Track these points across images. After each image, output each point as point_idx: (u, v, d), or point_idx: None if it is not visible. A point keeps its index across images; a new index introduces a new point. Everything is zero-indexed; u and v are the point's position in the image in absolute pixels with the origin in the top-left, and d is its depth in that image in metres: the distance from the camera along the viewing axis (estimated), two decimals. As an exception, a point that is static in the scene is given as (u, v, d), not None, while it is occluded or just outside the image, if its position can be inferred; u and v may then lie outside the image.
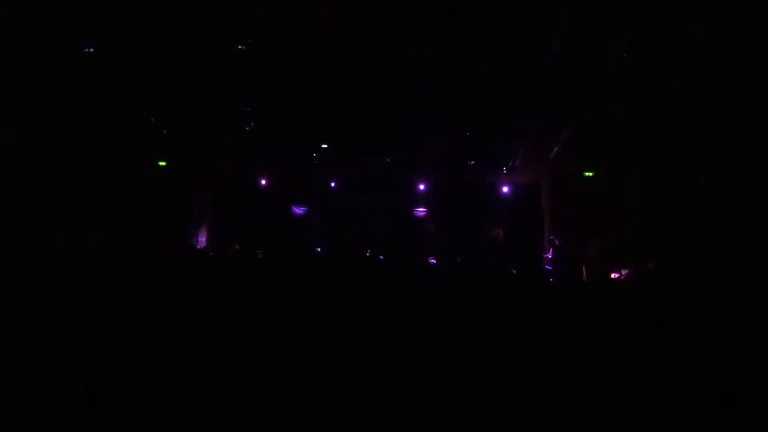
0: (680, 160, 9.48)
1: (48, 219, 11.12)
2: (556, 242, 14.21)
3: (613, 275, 12.04)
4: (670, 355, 4.95)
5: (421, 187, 16.59)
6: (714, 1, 6.48)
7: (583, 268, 12.78)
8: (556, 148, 14.32)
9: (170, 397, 4.00)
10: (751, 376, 4.31)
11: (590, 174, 14.34)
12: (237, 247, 14.62)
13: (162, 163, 14.99)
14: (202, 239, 16.09)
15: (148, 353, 4.80)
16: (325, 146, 15.62)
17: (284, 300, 7.07)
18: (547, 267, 13.97)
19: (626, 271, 11.92)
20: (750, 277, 6.78)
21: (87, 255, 9.56)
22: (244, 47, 11.31)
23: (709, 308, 5.93)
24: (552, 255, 14.25)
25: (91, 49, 11.05)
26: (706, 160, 8.47)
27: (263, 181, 16.70)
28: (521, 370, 4.74)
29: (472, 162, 16.26)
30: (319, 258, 15.18)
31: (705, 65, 7.43)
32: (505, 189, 16.44)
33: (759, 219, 6.96)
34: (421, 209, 16.85)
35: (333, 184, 16.70)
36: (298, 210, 16.90)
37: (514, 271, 13.05)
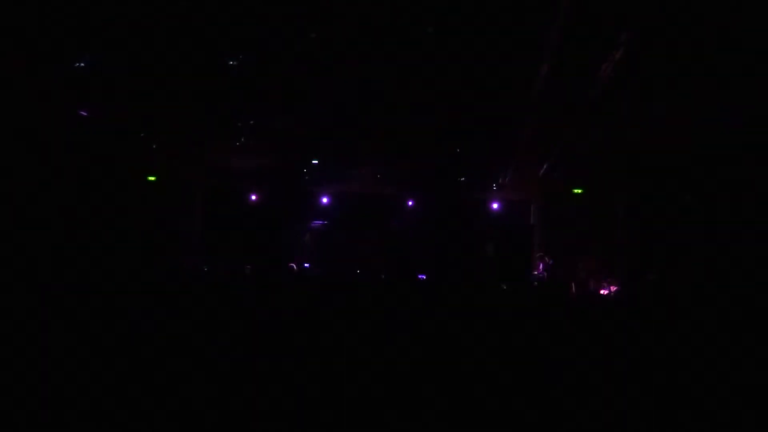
0: (667, 177, 9.59)
1: (38, 231, 11.03)
2: (547, 259, 14.37)
3: (602, 291, 12.08)
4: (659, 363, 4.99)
5: (411, 203, 16.63)
6: (700, 18, 6.61)
7: (572, 284, 12.85)
8: (545, 166, 14.42)
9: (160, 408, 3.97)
10: (750, 381, 4.35)
11: (579, 191, 14.44)
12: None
13: (151, 178, 14.93)
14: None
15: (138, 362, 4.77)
16: (316, 162, 15.64)
17: (277, 316, 7.05)
18: (536, 282, 14.03)
19: (615, 288, 11.97)
20: (738, 291, 6.85)
21: (78, 269, 9.48)
22: (235, 62, 11.35)
23: (700, 320, 5.98)
24: (542, 271, 14.37)
25: (81, 64, 11.04)
26: (693, 176, 8.58)
27: (253, 197, 16.68)
28: (513, 378, 4.76)
29: (462, 179, 16.33)
30: (310, 274, 15.15)
31: (692, 80, 7.56)
32: (495, 206, 16.51)
33: (746, 233, 7.04)
34: (409, 225, 16.84)
35: (324, 200, 16.71)
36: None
37: (504, 287, 13.07)
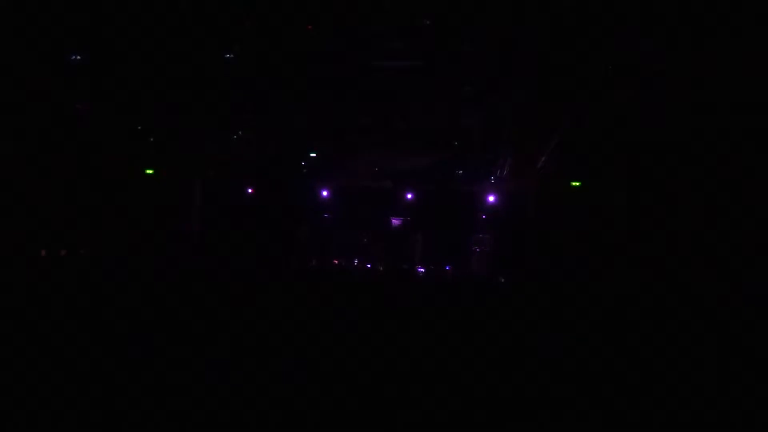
0: (667, 170, 9.57)
1: (35, 226, 11.00)
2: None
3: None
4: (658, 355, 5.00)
5: (409, 196, 16.61)
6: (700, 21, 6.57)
7: None
8: (543, 158, 14.40)
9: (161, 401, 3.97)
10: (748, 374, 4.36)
11: (577, 184, 14.41)
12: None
13: (149, 171, 14.87)
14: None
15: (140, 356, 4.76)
16: (314, 155, 15.59)
17: (278, 307, 7.04)
18: None
19: None
20: (737, 288, 6.86)
21: (75, 263, 9.45)
22: (231, 56, 11.28)
23: (697, 317, 5.99)
24: None
25: (78, 57, 10.97)
26: (693, 170, 8.57)
27: (249, 190, 16.65)
28: (512, 374, 4.76)
29: (460, 171, 16.31)
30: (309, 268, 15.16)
31: (692, 73, 7.53)
32: (492, 198, 16.51)
33: (747, 229, 7.04)
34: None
35: (324, 193, 16.69)
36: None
37: (503, 280, 13.11)
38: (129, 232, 13.41)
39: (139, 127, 13.91)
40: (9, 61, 9.47)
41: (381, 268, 15.51)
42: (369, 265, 16.05)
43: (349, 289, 10.27)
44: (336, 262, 15.80)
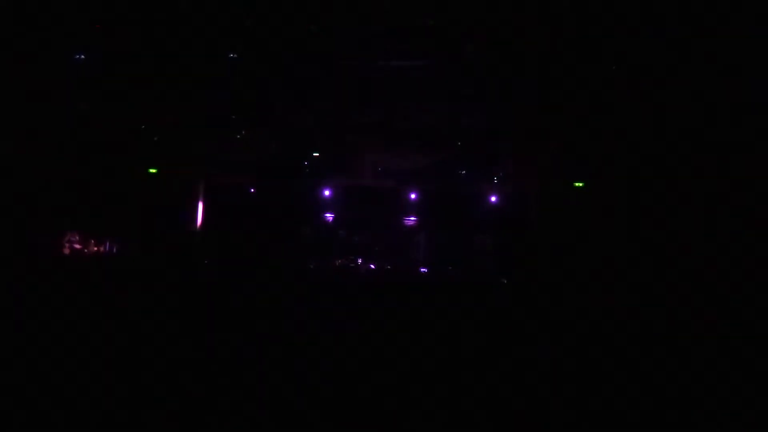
0: (668, 171, 9.57)
1: (36, 225, 11.03)
2: None
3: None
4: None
5: (413, 196, 16.58)
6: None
7: None
8: (545, 158, 14.36)
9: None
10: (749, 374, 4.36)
11: (580, 184, 14.35)
12: None
13: (153, 170, 14.87)
14: None
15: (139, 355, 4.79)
16: (317, 155, 15.61)
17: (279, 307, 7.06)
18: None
19: None
20: (737, 288, 6.85)
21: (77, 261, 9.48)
22: (235, 55, 11.33)
23: (697, 316, 5.99)
24: None
25: (83, 56, 11.02)
26: (695, 170, 8.56)
27: (252, 190, 16.63)
28: (515, 373, 4.78)
29: (463, 172, 16.27)
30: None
31: (692, 75, 7.52)
32: (494, 199, 16.46)
33: (748, 228, 7.03)
34: (410, 218, 16.80)
35: (327, 193, 16.65)
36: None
37: (505, 281, 13.10)
38: (130, 232, 13.42)
39: (143, 127, 13.96)
40: (9, 61, 9.51)
41: (384, 269, 15.51)
42: (372, 266, 16.04)
43: (351, 289, 10.29)
44: (338, 262, 15.79)
